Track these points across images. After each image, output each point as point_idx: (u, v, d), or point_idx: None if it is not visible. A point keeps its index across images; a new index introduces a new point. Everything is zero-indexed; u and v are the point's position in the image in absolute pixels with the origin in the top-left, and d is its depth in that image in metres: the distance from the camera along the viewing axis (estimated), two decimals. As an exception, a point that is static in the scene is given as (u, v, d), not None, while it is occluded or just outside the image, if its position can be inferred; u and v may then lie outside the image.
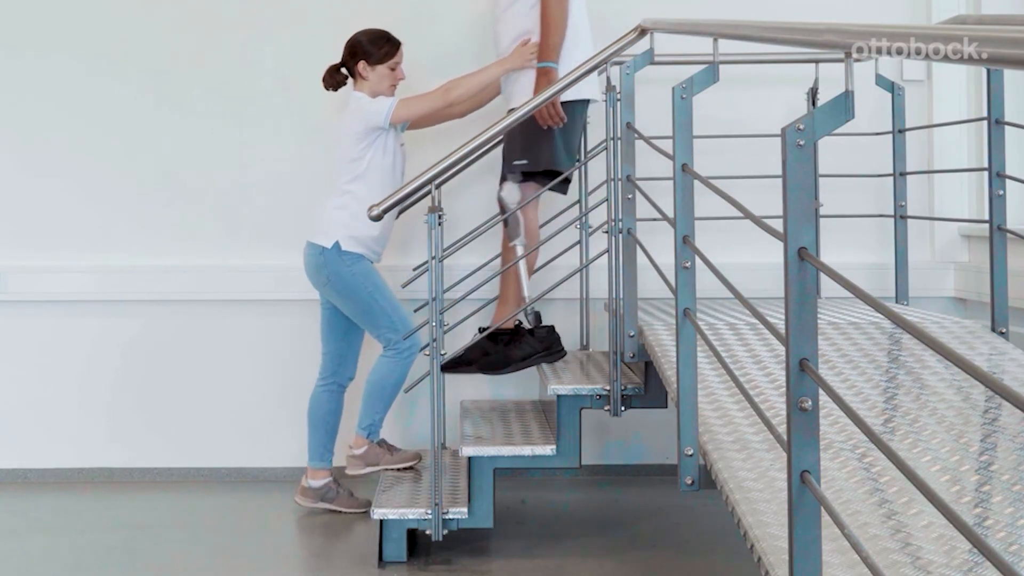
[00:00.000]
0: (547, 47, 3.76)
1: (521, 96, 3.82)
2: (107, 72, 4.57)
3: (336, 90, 4.05)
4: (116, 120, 4.56)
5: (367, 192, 3.88)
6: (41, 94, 4.57)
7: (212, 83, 4.57)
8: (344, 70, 4.01)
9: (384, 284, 3.93)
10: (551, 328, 3.83)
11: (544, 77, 3.75)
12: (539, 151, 3.78)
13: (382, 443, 3.97)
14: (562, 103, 3.72)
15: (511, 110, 3.75)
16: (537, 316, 3.79)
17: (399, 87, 4.03)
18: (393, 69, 3.97)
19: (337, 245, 3.88)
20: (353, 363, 4.09)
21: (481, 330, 3.83)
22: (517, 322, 3.78)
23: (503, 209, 3.82)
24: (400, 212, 3.96)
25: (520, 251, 3.76)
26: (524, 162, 3.79)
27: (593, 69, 3.64)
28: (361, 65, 3.96)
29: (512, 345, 3.77)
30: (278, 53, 4.55)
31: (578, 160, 3.93)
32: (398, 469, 3.93)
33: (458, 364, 3.74)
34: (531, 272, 3.94)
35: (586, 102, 3.88)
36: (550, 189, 3.81)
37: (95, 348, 4.55)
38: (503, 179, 3.88)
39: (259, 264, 4.51)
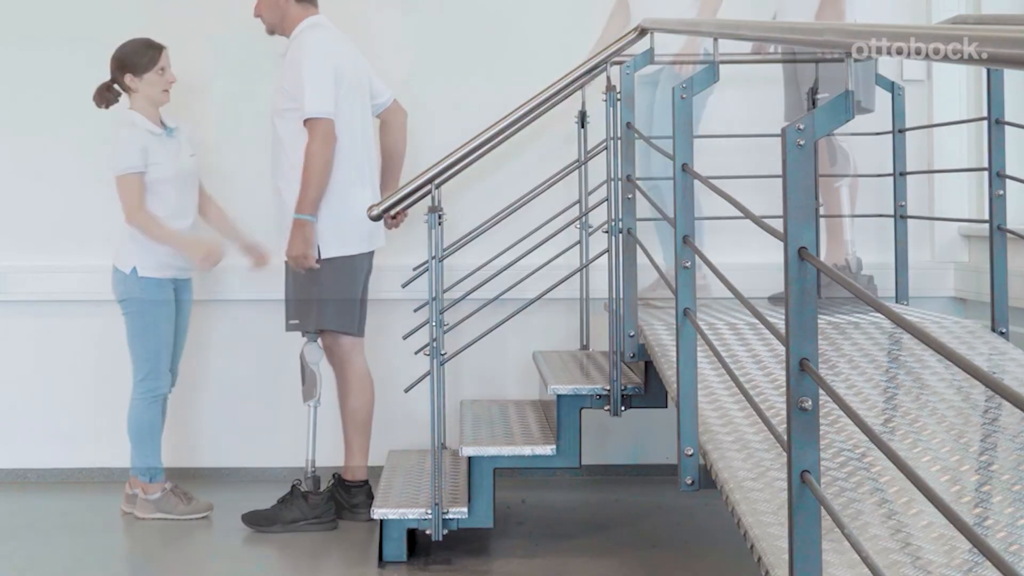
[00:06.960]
0: (303, 199, 3.72)
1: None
2: (102, 71, 4.56)
3: (108, 107, 3.99)
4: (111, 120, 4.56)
5: (158, 208, 3.88)
6: (36, 92, 4.56)
7: (204, 86, 4.56)
8: (117, 86, 3.96)
9: (165, 323, 3.92)
10: (328, 496, 3.84)
11: (299, 229, 3.72)
12: (308, 312, 3.79)
13: (176, 490, 3.96)
14: (333, 257, 3.73)
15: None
16: (316, 481, 3.81)
17: (173, 89, 3.99)
18: (162, 73, 3.93)
19: (135, 271, 3.88)
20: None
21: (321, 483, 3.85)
22: (297, 480, 3.81)
23: (303, 368, 3.82)
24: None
25: (313, 412, 3.78)
26: (296, 322, 3.81)
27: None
28: (128, 78, 3.92)
29: (284, 505, 3.80)
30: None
31: (356, 314, 3.89)
32: (191, 519, 3.91)
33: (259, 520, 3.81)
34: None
35: (368, 253, 3.89)
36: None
37: (94, 348, 4.53)
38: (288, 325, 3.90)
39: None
